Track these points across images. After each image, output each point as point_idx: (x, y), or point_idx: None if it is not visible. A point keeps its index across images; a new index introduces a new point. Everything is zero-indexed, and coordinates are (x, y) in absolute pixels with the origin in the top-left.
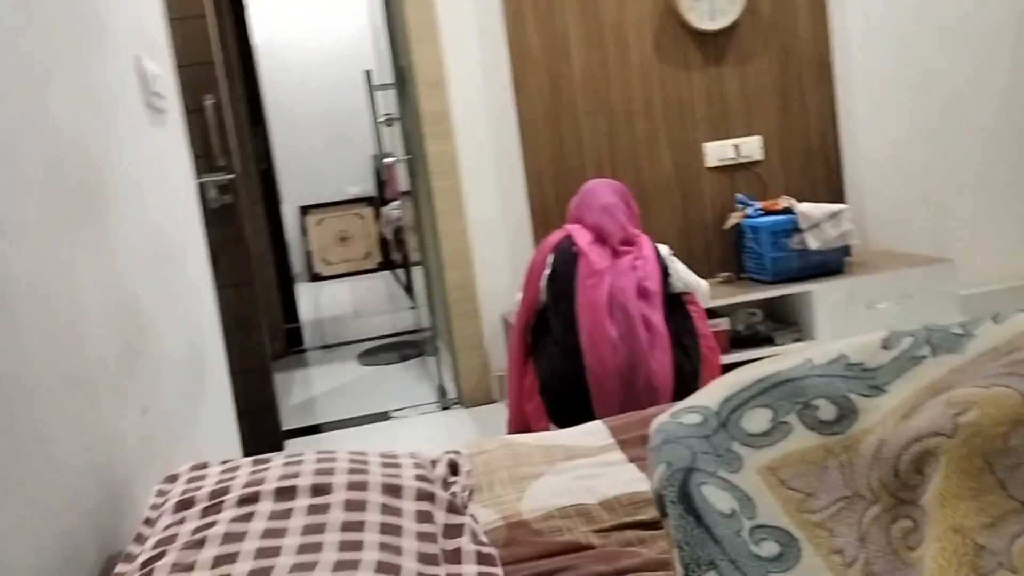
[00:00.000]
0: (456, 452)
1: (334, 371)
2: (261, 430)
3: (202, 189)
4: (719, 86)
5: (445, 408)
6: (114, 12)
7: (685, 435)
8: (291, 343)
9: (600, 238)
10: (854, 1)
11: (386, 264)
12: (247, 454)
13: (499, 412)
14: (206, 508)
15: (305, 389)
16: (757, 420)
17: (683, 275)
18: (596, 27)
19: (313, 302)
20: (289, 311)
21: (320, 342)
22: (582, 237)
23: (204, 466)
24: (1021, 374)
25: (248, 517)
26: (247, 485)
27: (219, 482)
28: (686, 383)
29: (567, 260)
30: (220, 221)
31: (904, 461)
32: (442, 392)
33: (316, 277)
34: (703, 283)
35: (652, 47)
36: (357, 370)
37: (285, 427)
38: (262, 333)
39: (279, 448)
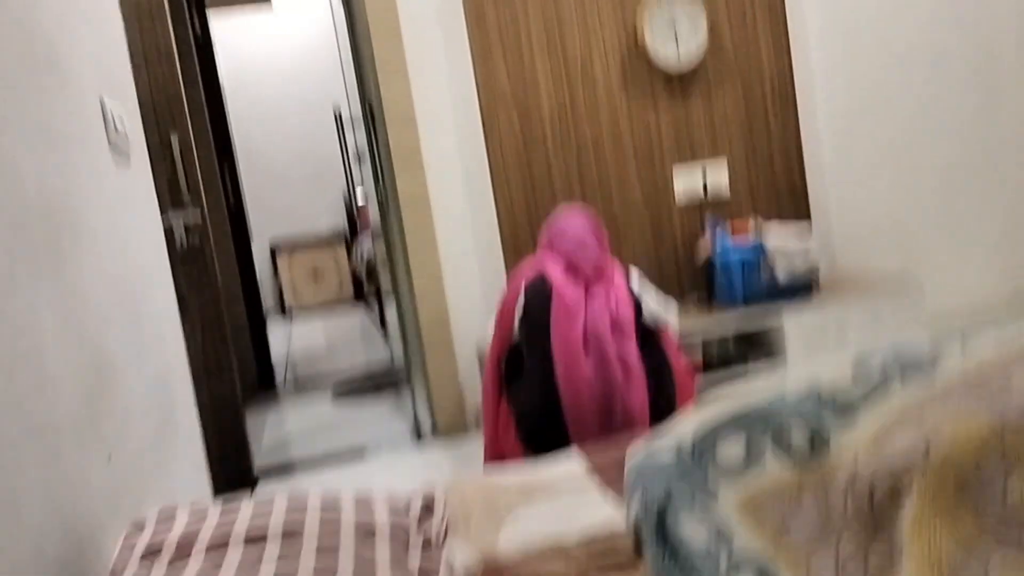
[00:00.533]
0: (431, 489)
1: (308, 408)
2: (234, 471)
3: (170, 229)
4: (686, 117)
5: (421, 442)
6: (76, 52)
7: (660, 471)
8: (263, 381)
9: (572, 268)
10: (815, 35)
11: (359, 299)
12: (219, 496)
13: (476, 444)
14: (173, 558)
15: (279, 427)
16: (731, 453)
17: (652, 309)
18: (563, 63)
19: (286, 339)
20: (261, 349)
21: (293, 379)
22: (554, 270)
23: (172, 511)
24: (989, 398)
25: (217, 566)
26: (215, 531)
27: (187, 529)
28: (662, 414)
29: (540, 300)
30: (189, 261)
31: (878, 492)
32: (417, 426)
33: (288, 314)
34: (671, 310)
35: (619, 82)
36: (331, 406)
37: (259, 467)
38: (233, 374)
39: (252, 488)
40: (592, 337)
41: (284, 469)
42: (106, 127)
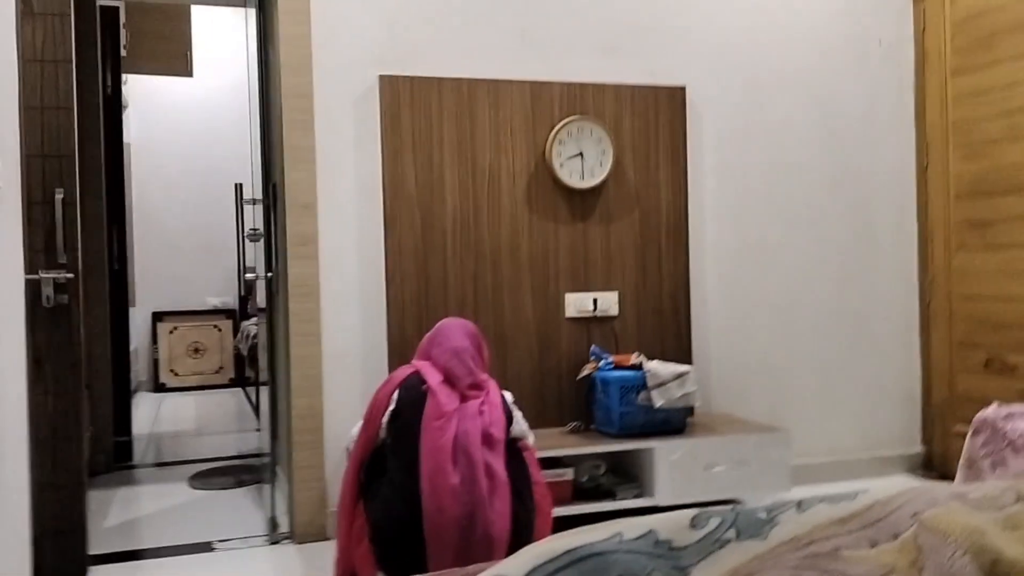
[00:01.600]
0: None
1: (162, 492)
2: (63, 554)
3: (37, 286)
4: (583, 240)
5: (275, 543)
6: None
7: None
8: (119, 458)
9: (449, 380)
10: (711, 178)
11: (239, 381)
12: None
13: (331, 551)
14: None
15: (126, 510)
16: None
17: (520, 422)
18: (472, 171)
19: (153, 415)
20: (122, 422)
21: (154, 459)
22: (432, 376)
23: None
24: (817, 568)
25: None
26: None
27: None
28: (521, 532)
29: (414, 398)
30: (52, 322)
31: None
32: (273, 525)
33: (161, 388)
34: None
35: (523, 196)
36: (187, 493)
37: (95, 551)
38: (81, 444)
39: (82, 575)
40: (462, 445)
41: (124, 556)
42: None
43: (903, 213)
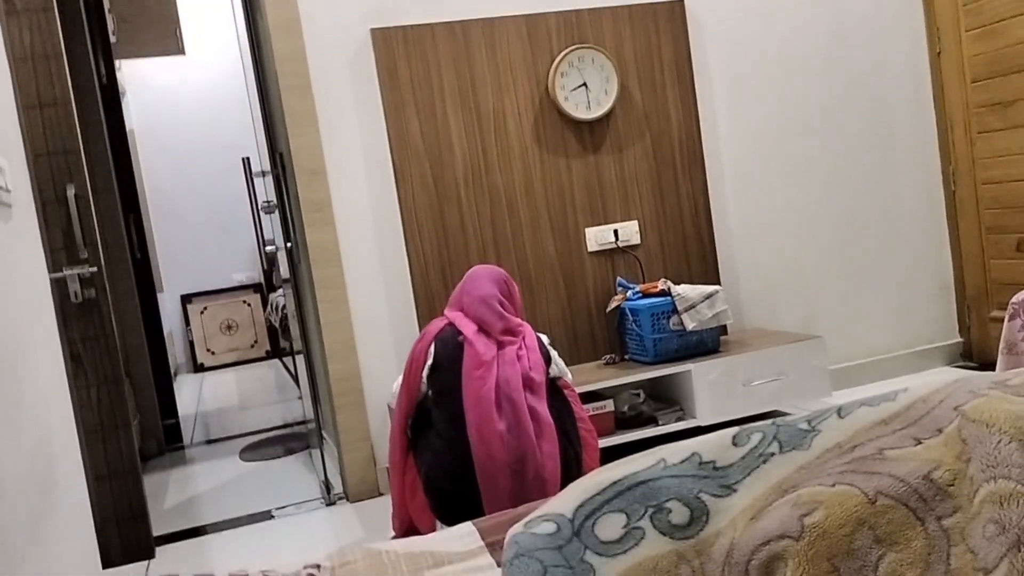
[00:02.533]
0: (316, 566)
1: (216, 468)
2: (129, 538)
3: (63, 284)
4: (596, 173)
5: (330, 504)
6: None
7: (537, 547)
8: (169, 440)
9: (483, 328)
10: (721, 94)
11: (274, 352)
12: (111, 565)
13: (386, 506)
14: None
15: (183, 489)
16: (610, 527)
17: (558, 362)
18: (476, 118)
19: (196, 395)
20: (167, 406)
21: (203, 437)
22: (467, 327)
23: None
24: (863, 471)
25: None
26: None
27: None
28: (571, 470)
29: (452, 351)
30: (84, 316)
31: (754, 566)
32: (327, 487)
33: (200, 368)
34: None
35: (532, 135)
36: (239, 466)
37: (159, 532)
38: (130, 432)
39: (150, 556)
40: (504, 392)
41: (187, 534)
42: None
43: (920, 104)
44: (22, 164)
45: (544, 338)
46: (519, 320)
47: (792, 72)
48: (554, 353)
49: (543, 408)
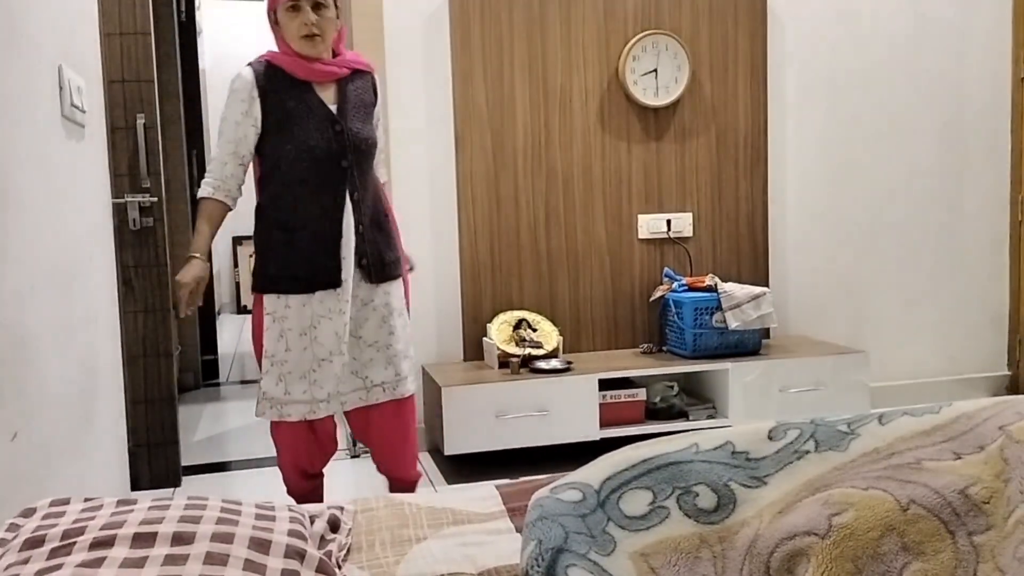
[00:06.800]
0: (340, 508)
1: (247, 408)
2: (158, 464)
3: (123, 210)
4: (656, 160)
5: (355, 456)
6: (34, 17)
7: (561, 512)
8: (207, 376)
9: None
10: (793, 93)
11: None
12: (139, 489)
13: None
14: (55, 548)
15: (214, 424)
16: (636, 502)
17: None
18: (543, 92)
19: (237, 336)
20: (209, 342)
21: (239, 377)
22: None
23: (65, 502)
24: (898, 479)
25: (98, 562)
26: (104, 527)
27: (76, 521)
28: None
29: None
30: (139, 243)
31: (776, 559)
32: (353, 441)
33: (244, 310)
34: None
35: (596, 116)
36: None
37: (187, 463)
38: (171, 361)
39: (176, 484)
40: None
41: (213, 468)
42: (61, 97)
43: (996, 127)
44: (99, 88)
45: None
46: None
47: (867, 79)
48: None
49: None
